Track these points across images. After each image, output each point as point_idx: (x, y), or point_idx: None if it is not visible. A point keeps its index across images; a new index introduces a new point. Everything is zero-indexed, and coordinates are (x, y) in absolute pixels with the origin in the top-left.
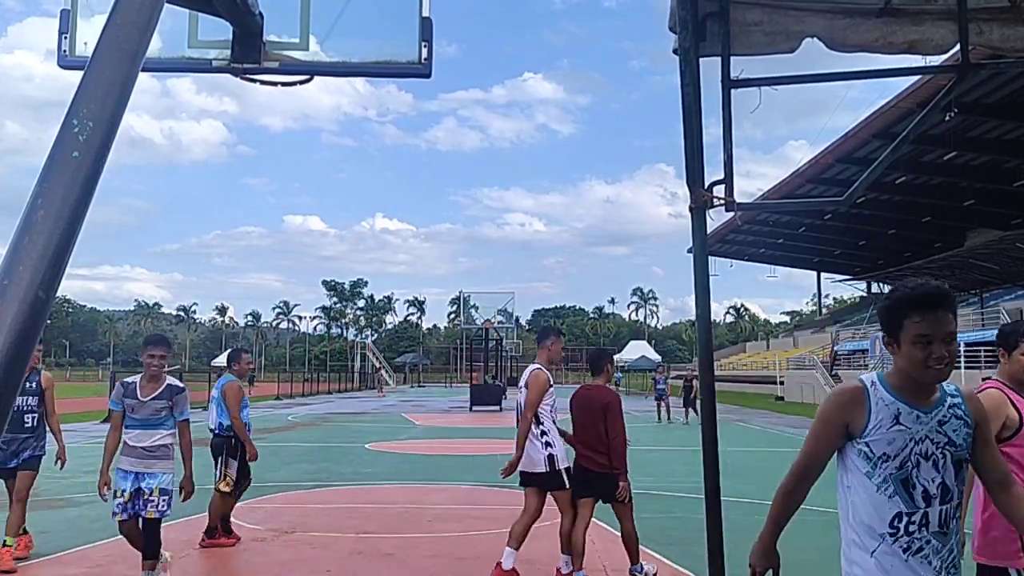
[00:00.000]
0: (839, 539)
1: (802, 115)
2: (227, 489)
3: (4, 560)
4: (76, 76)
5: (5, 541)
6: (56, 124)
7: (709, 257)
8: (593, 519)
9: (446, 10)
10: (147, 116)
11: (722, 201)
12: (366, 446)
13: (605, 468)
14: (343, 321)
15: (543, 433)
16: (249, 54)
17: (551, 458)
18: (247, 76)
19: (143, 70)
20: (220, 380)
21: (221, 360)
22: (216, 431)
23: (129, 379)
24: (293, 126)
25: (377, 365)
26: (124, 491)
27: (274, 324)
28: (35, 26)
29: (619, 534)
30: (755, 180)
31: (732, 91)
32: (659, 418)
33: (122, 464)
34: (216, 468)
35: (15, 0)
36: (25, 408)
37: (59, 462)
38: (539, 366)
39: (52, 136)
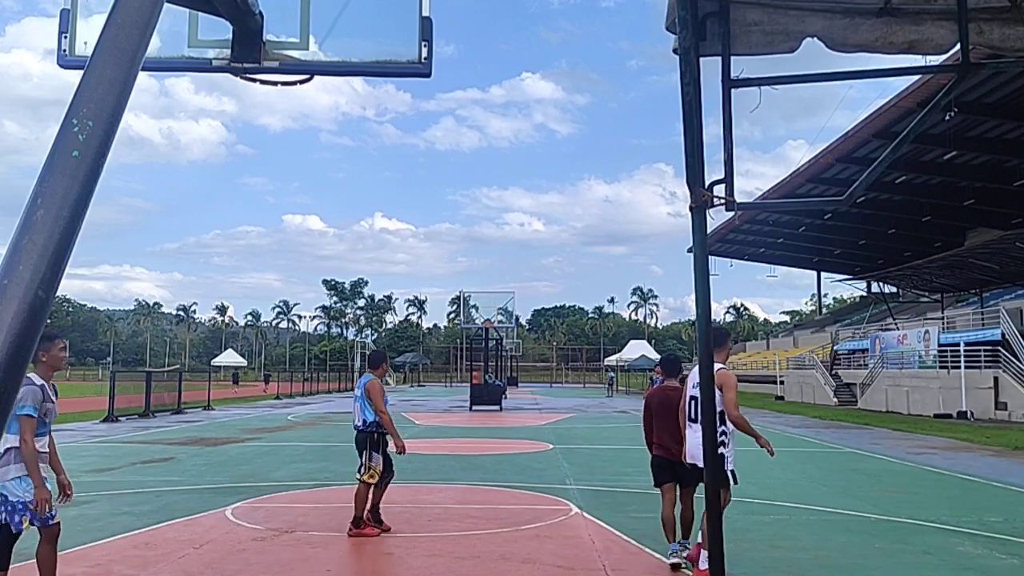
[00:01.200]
0: (839, 539)
1: (801, 114)
2: (372, 480)
3: None
4: (75, 75)
5: None
6: (55, 123)
7: (709, 257)
8: (594, 520)
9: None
10: (145, 116)
11: (722, 200)
12: None
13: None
14: (343, 320)
15: (722, 433)
16: (249, 54)
17: (722, 457)
18: (247, 76)
19: (143, 69)
20: (362, 380)
21: (221, 359)
22: (360, 427)
23: (36, 382)
24: (292, 126)
25: None
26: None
27: (274, 324)
28: (33, 26)
29: (619, 533)
30: (754, 180)
31: (732, 90)
32: None
33: (44, 472)
34: (361, 460)
35: (13, 0)
36: None
37: None
38: (723, 366)
39: (51, 135)
